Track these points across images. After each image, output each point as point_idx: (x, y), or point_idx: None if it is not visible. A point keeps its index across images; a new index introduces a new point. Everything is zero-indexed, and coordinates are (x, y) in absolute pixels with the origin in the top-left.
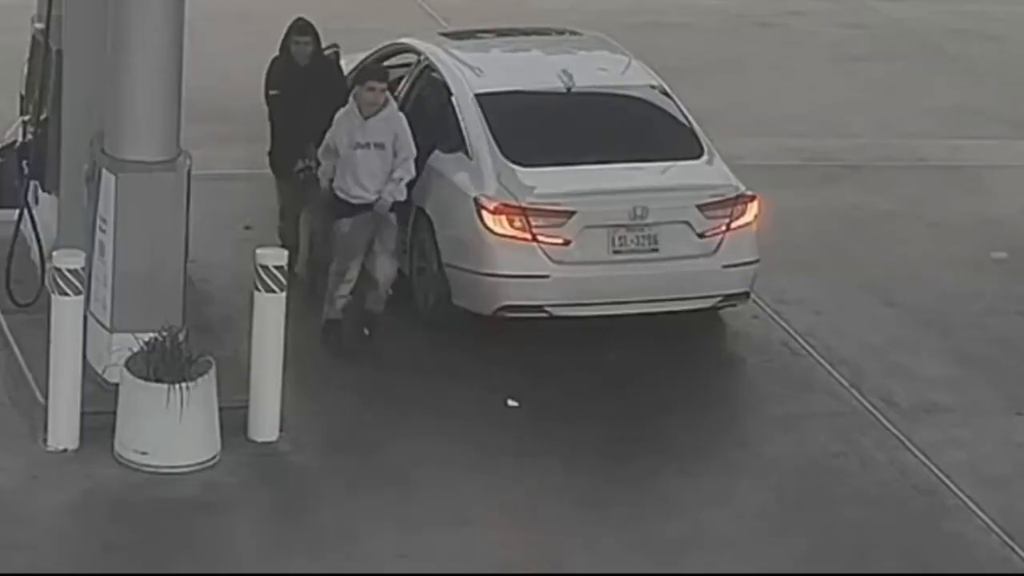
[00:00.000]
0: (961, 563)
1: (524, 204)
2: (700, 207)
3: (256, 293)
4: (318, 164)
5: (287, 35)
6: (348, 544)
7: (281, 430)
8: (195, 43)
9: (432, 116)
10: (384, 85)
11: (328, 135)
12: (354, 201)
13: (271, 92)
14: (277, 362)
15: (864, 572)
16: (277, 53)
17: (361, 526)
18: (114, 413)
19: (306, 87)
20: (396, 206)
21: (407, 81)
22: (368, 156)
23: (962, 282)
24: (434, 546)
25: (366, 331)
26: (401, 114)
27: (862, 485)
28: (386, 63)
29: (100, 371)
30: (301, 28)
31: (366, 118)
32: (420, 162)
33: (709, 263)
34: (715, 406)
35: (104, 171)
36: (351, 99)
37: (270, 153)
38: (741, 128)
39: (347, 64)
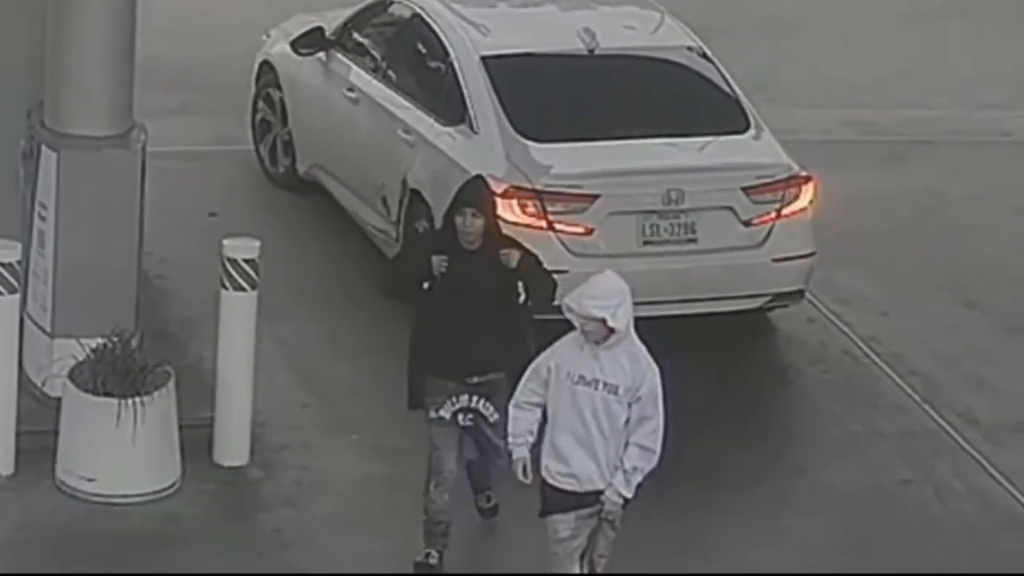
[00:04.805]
0: None
1: (539, 186)
2: (746, 190)
3: (223, 291)
4: (469, 419)
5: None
6: None
7: (252, 453)
8: None
9: (428, 83)
10: (604, 316)
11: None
12: (561, 484)
13: (424, 285)
14: (247, 373)
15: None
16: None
17: (340, 567)
18: (55, 433)
19: (471, 282)
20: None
21: (394, 40)
22: (591, 400)
23: None
24: None
25: None
26: (648, 357)
27: (937, 517)
28: (373, 21)
29: (39, 383)
30: (466, 199)
31: (597, 343)
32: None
33: (756, 256)
34: (764, 426)
35: (44, 148)
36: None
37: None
38: (794, 97)
39: (324, 25)
